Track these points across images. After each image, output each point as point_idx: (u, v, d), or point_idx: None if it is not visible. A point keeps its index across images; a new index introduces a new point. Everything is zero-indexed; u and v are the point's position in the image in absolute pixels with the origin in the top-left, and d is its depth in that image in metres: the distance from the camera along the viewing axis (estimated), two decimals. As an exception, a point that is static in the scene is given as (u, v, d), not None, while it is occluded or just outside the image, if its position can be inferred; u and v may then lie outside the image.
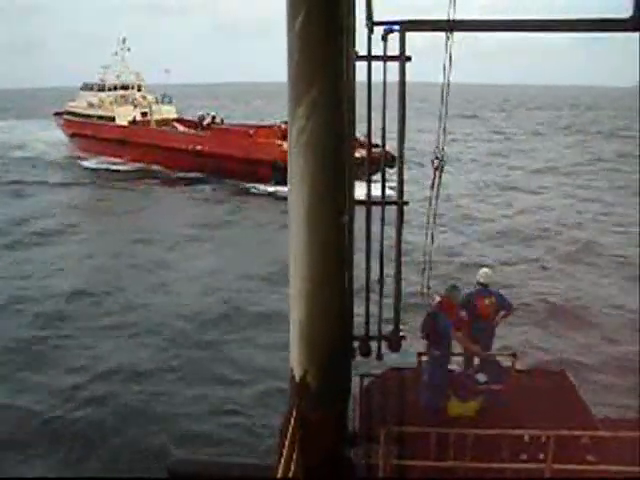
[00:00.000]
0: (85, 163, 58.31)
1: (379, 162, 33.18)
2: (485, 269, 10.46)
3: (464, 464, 7.40)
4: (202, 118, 56.47)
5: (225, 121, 57.56)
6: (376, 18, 7.25)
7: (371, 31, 7.18)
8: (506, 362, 9.93)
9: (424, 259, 8.69)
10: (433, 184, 8.16)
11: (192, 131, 54.00)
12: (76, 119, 62.89)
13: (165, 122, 59.26)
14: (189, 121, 60.06)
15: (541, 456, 7.50)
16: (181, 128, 57.52)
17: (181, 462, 8.47)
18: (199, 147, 48.97)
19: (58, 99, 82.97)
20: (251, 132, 46.72)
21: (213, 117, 56.30)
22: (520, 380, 9.59)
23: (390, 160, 43.87)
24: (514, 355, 9.68)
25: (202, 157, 48.15)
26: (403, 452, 7.76)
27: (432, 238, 8.33)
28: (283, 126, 41.99)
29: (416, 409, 9.17)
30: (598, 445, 8.12)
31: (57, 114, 68.34)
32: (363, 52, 7.20)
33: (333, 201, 6.15)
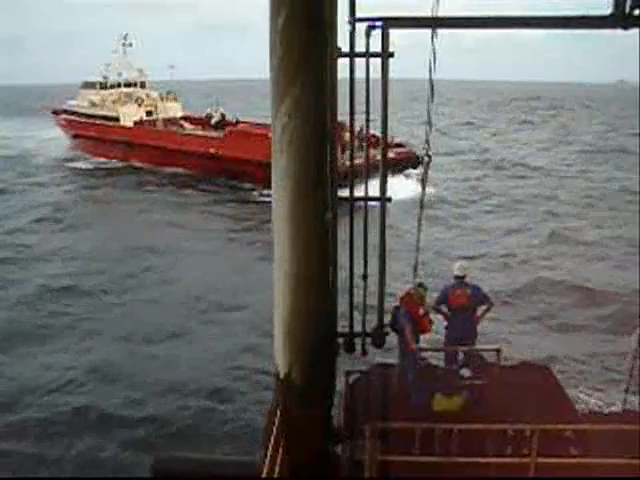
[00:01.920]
0: (73, 164, 56.02)
1: (407, 161, 33.48)
2: (461, 262, 10.39)
3: (449, 459, 7.43)
4: (210, 116, 54.16)
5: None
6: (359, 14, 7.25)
7: (353, 28, 7.17)
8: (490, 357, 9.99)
9: (415, 246, 8.79)
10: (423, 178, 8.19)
11: (207, 133, 50.67)
12: (78, 119, 59.63)
13: (171, 121, 56.23)
14: (196, 119, 57.26)
15: (525, 450, 7.54)
16: (189, 127, 54.69)
17: (165, 460, 8.44)
18: (214, 150, 46.07)
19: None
20: (269, 135, 43.89)
21: (223, 115, 53.64)
22: (504, 375, 9.63)
23: (414, 160, 43.13)
24: (498, 350, 9.72)
25: (219, 161, 45.53)
26: (388, 448, 7.79)
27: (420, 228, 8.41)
28: None
29: (401, 405, 9.19)
30: (581, 438, 8.18)
31: (55, 112, 65.02)
32: (345, 49, 7.18)
33: (316, 198, 6.16)
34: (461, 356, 10.06)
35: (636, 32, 7.01)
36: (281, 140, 5.91)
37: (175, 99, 61.00)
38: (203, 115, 56.78)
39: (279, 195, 6.15)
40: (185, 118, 58.32)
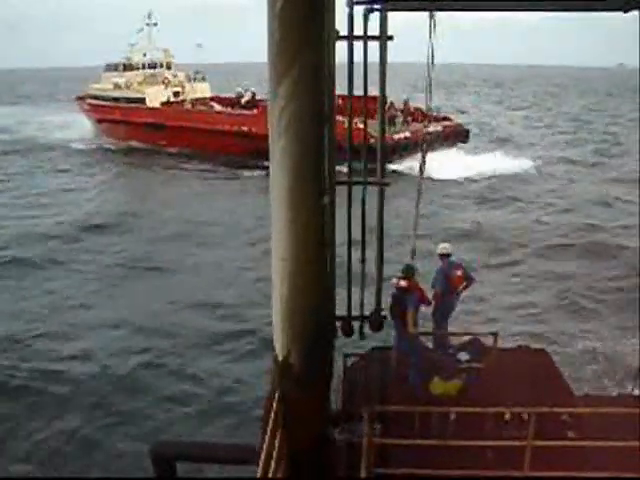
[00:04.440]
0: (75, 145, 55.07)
1: (455, 135, 40.88)
2: (445, 243, 10.59)
3: (446, 442, 7.47)
4: (240, 95, 51.61)
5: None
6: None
7: (352, 10, 7.14)
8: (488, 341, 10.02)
9: (413, 225, 8.88)
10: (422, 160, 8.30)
11: (239, 111, 48.57)
12: (102, 103, 57.03)
13: (200, 101, 54.02)
14: (226, 99, 54.77)
15: (522, 433, 7.58)
16: (218, 107, 52.33)
17: (164, 444, 8.47)
18: (247, 128, 43.94)
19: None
20: None
21: (253, 94, 50.74)
22: (501, 359, 9.67)
23: (463, 134, 42.71)
24: (495, 334, 9.75)
25: (252, 139, 42.24)
26: (386, 431, 7.82)
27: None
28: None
29: (399, 388, 9.23)
30: (578, 422, 8.22)
31: (79, 98, 61.84)
32: (344, 32, 7.15)
33: (314, 182, 6.14)
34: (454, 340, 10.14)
35: (633, 15, 7.00)
36: (279, 123, 5.88)
37: (203, 79, 58.70)
38: (233, 95, 54.07)
39: (277, 178, 6.13)
40: (214, 98, 56.12)
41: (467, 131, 42.88)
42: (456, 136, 41.10)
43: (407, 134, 37.33)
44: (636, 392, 12.10)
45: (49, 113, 75.34)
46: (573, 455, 7.47)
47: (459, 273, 10.21)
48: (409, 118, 40.56)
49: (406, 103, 42.04)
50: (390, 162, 33.78)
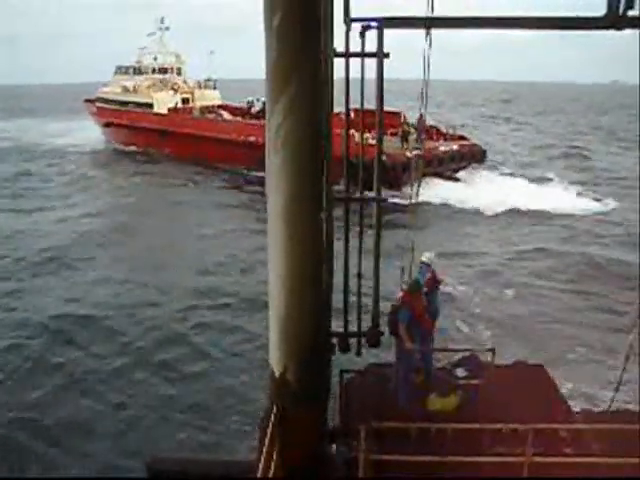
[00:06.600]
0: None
1: (468, 156, 37.69)
2: (429, 253, 10.55)
3: (444, 459, 7.43)
4: (251, 104, 51.03)
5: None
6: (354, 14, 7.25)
7: (349, 28, 7.19)
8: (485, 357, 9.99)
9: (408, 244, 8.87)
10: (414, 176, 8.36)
11: (248, 121, 47.46)
12: (110, 106, 56.63)
13: (209, 109, 53.33)
14: (236, 108, 54.15)
15: (520, 449, 7.55)
16: (228, 116, 51.39)
17: (161, 460, 8.43)
18: (254, 139, 41.53)
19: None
20: None
21: (264, 103, 49.78)
22: (499, 375, 9.64)
23: (479, 154, 40.05)
24: (493, 350, 9.72)
25: (259, 150, 40.48)
26: (383, 448, 7.79)
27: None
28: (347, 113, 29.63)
29: (396, 404, 9.20)
30: (576, 438, 8.19)
31: (88, 101, 61.66)
32: (341, 49, 7.19)
33: (311, 198, 6.16)
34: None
35: (629, 33, 7.05)
36: (276, 140, 5.92)
37: (214, 87, 58.19)
38: (243, 104, 53.45)
39: (273, 195, 6.15)
40: (223, 107, 55.31)
41: (484, 151, 40.99)
42: (472, 156, 39.53)
43: (420, 152, 35.31)
44: (633, 408, 12.06)
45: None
46: (570, 471, 7.44)
47: (435, 273, 10.17)
48: (423, 135, 38.02)
49: (420, 119, 39.20)
50: (401, 184, 31.77)
